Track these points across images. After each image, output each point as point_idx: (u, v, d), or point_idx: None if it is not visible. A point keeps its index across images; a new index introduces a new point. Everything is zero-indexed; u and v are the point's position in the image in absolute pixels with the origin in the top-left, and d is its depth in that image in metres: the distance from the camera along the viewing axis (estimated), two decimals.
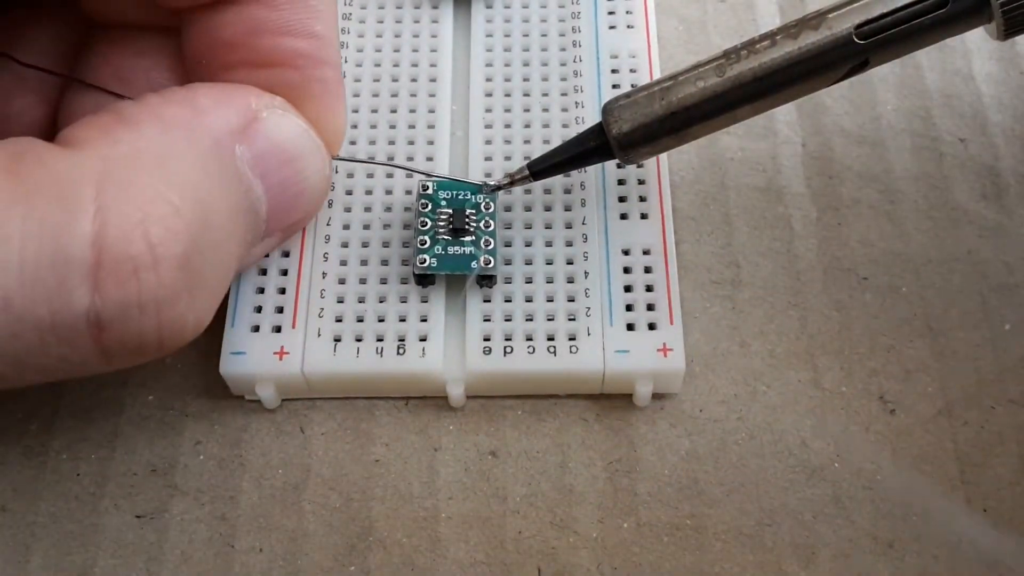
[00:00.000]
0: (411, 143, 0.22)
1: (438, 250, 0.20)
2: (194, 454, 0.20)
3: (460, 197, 0.21)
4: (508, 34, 0.23)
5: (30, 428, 0.20)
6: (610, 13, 0.24)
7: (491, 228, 0.20)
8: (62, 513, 0.19)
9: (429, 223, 0.20)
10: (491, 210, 0.20)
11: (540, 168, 0.20)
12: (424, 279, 0.20)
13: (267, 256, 0.20)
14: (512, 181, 0.20)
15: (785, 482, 0.20)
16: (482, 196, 0.21)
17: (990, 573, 0.19)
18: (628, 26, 0.24)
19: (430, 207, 0.20)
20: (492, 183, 0.21)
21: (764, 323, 0.21)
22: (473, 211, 0.20)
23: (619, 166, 0.21)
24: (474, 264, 0.20)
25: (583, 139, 0.20)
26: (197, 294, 0.16)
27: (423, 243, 0.20)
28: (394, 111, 0.22)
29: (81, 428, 0.20)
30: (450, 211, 0.20)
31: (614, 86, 0.23)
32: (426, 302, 0.20)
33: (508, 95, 0.23)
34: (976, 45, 0.25)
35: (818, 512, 0.20)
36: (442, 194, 0.21)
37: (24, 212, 0.14)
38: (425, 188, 0.21)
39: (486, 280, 0.20)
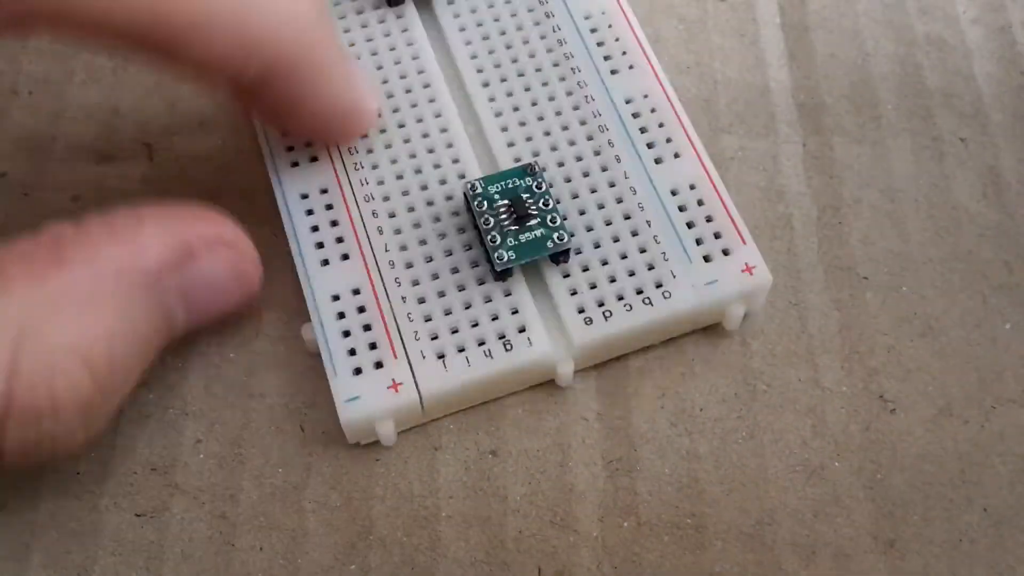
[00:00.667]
0: (431, 151, 0.22)
1: (511, 242, 0.20)
2: (194, 453, 0.20)
3: (510, 186, 0.21)
4: (480, 23, 0.23)
5: None
6: None
7: (550, 206, 0.20)
8: (62, 512, 0.19)
9: (492, 220, 0.20)
10: (543, 189, 0.21)
11: None
12: (504, 274, 0.20)
13: (337, 300, 0.20)
14: None
15: (785, 481, 0.20)
16: (529, 178, 0.21)
17: (990, 572, 0.19)
18: None
19: (487, 204, 0.20)
20: None
21: (764, 322, 0.21)
22: (528, 195, 0.20)
23: None
24: (549, 244, 0.20)
25: None
26: (93, 423, 0.17)
27: (494, 240, 0.20)
28: (402, 126, 0.22)
29: None
30: (507, 201, 0.20)
31: (599, 43, 0.23)
32: (510, 295, 0.20)
33: (504, 80, 0.23)
34: (977, 45, 0.25)
35: (818, 511, 0.20)
36: (492, 188, 0.21)
37: None
38: (473, 188, 0.21)
39: (561, 256, 0.20)
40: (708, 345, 0.21)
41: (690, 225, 0.21)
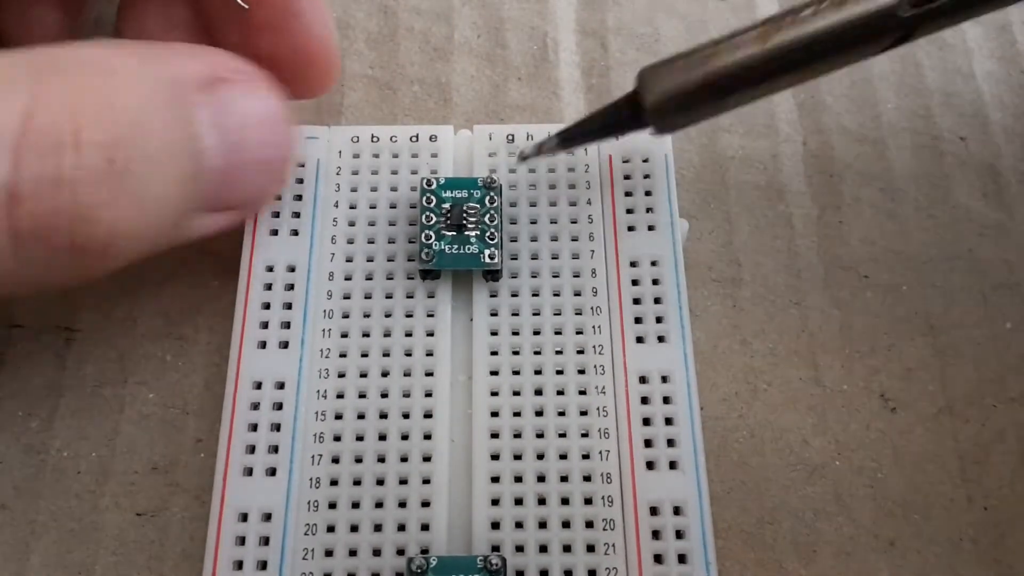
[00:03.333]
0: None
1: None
2: (195, 452, 0.20)
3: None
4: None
5: (30, 426, 0.20)
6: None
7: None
8: (63, 511, 0.19)
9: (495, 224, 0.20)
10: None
11: (569, 136, 0.20)
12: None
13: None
14: (541, 150, 0.20)
15: (786, 480, 0.20)
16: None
17: (990, 571, 0.19)
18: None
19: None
20: (520, 151, 0.20)
21: (765, 321, 0.21)
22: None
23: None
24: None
25: (616, 107, 0.19)
26: (121, 195, 0.16)
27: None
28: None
29: (81, 426, 0.20)
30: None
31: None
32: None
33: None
34: (977, 44, 0.25)
35: (819, 510, 0.20)
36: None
37: None
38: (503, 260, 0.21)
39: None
40: (708, 344, 0.21)
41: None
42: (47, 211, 0.15)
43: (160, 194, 0.17)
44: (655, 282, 0.20)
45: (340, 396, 0.19)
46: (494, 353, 0.20)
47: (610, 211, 0.21)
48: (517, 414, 0.19)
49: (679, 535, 0.18)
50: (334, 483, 0.19)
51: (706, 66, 0.19)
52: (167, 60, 0.17)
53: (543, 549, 0.18)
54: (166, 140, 0.17)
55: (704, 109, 0.19)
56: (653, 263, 0.20)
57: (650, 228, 0.21)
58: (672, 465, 0.19)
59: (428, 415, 0.19)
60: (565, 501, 0.18)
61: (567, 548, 0.18)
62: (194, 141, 0.17)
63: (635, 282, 0.20)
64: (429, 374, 0.19)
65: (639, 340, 0.20)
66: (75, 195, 0.15)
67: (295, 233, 0.21)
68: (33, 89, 0.15)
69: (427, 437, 0.19)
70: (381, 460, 0.19)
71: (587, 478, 0.19)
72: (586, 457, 0.19)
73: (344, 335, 0.20)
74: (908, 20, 0.18)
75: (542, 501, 0.18)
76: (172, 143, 0.17)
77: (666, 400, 0.19)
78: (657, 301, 0.20)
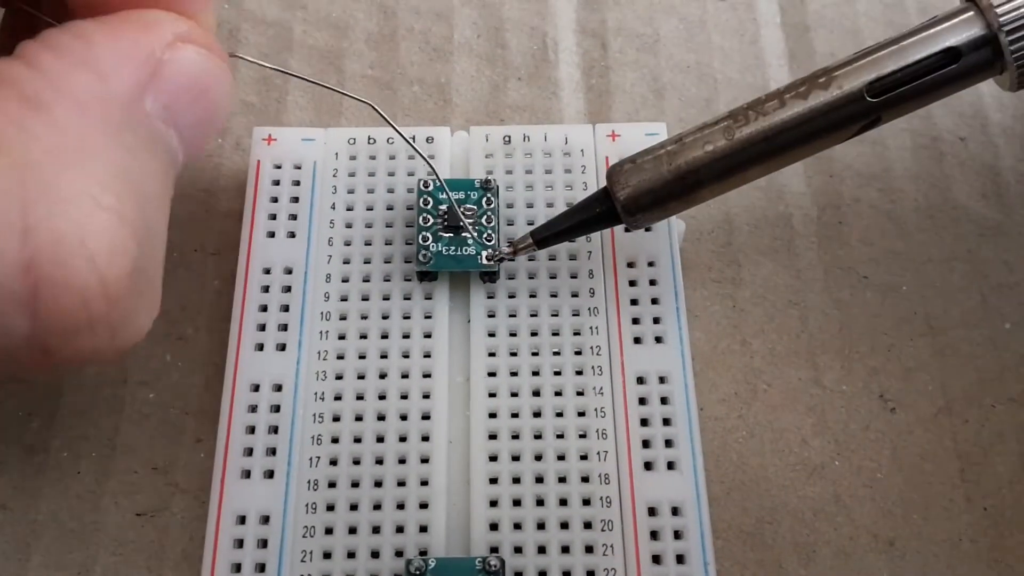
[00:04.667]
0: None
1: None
2: (195, 452, 0.20)
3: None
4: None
5: (31, 426, 0.20)
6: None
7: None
8: (63, 511, 0.19)
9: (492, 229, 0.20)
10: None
11: (544, 236, 0.20)
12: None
13: None
14: (515, 251, 0.20)
15: (785, 480, 0.20)
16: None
17: (990, 571, 0.19)
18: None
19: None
20: (496, 253, 0.20)
21: (764, 322, 0.21)
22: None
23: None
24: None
25: (588, 205, 0.19)
26: (147, 289, 0.15)
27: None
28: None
29: (82, 426, 0.20)
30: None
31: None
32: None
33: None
34: None
35: (818, 510, 0.20)
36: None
37: None
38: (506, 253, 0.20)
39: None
40: (707, 344, 0.21)
41: None
42: (86, 349, 0.14)
43: (164, 229, 0.16)
44: (652, 283, 0.20)
45: (338, 398, 0.19)
46: (492, 354, 0.20)
47: None
48: (515, 415, 0.19)
49: (677, 535, 0.18)
50: (332, 485, 0.19)
51: (674, 162, 0.19)
52: (107, 84, 0.15)
53: (542, 550, 0.18)
54: (156, 176, 0.15)
55: (674, 204, 0.19)
56: (650, 264, 0.20)
57: (646, 229, 0.21)
58: (670, 466, 0.19)
59: (426, 417, 0.19)
60: (563, 502, 0.18)
61: (565, 549, 0.18)
62: (168, 150, 0.16)
63: (632, 283, 0.20)
64: (427, 376, 0.19)
65: (637, 341, 0.20)
66: (113, 331, 0.14)
67: (292, 235, 0.21)
68: (27, 220, 0.13)
69: (425, 439, 0.19)
70: (379, 462, 0.19)
71: (585, 479, 0.19)
72: (584, 458, 0.19)
73: (342, 337, 0.20)
74: (873, 106, 0.18)
75: (540, 502, 0.18)
76: (159, 173, 0.16)
77: (664, 401, 0.19)
78: (654, 302, 0.20)
